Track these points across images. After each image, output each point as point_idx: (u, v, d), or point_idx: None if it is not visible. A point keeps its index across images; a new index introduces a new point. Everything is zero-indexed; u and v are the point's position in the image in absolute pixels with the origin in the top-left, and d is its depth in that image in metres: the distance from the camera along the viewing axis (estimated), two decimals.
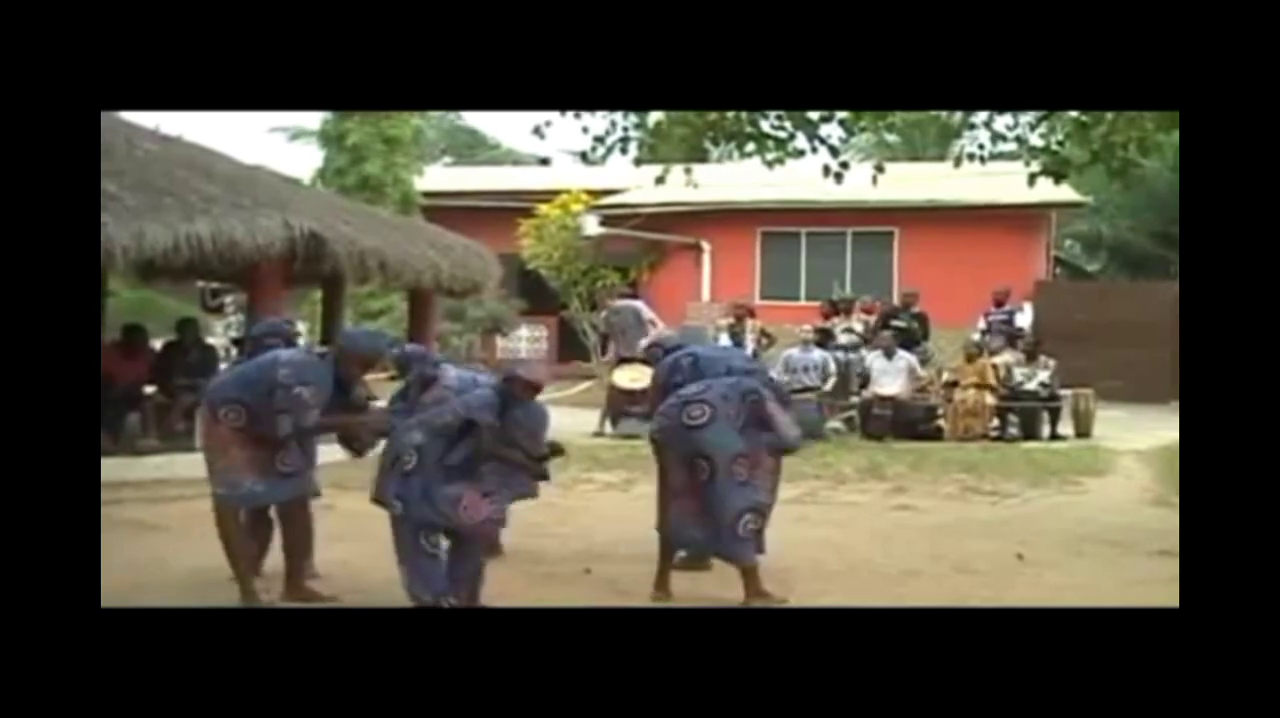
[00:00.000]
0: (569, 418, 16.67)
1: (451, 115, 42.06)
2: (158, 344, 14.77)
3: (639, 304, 18.28)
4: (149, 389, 13.67)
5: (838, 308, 18.62)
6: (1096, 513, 10.88)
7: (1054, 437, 16.32)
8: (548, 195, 23.93)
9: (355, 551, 7.93)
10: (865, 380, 16.59)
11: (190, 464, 11.63)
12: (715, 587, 7.39)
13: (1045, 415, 16.65)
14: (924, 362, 17.24)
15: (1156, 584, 7.35)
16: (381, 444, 6.97)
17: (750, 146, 11.41)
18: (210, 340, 16.79)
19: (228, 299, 24.70)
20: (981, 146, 12.05)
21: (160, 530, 9.44)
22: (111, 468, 10.83)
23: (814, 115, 10.74)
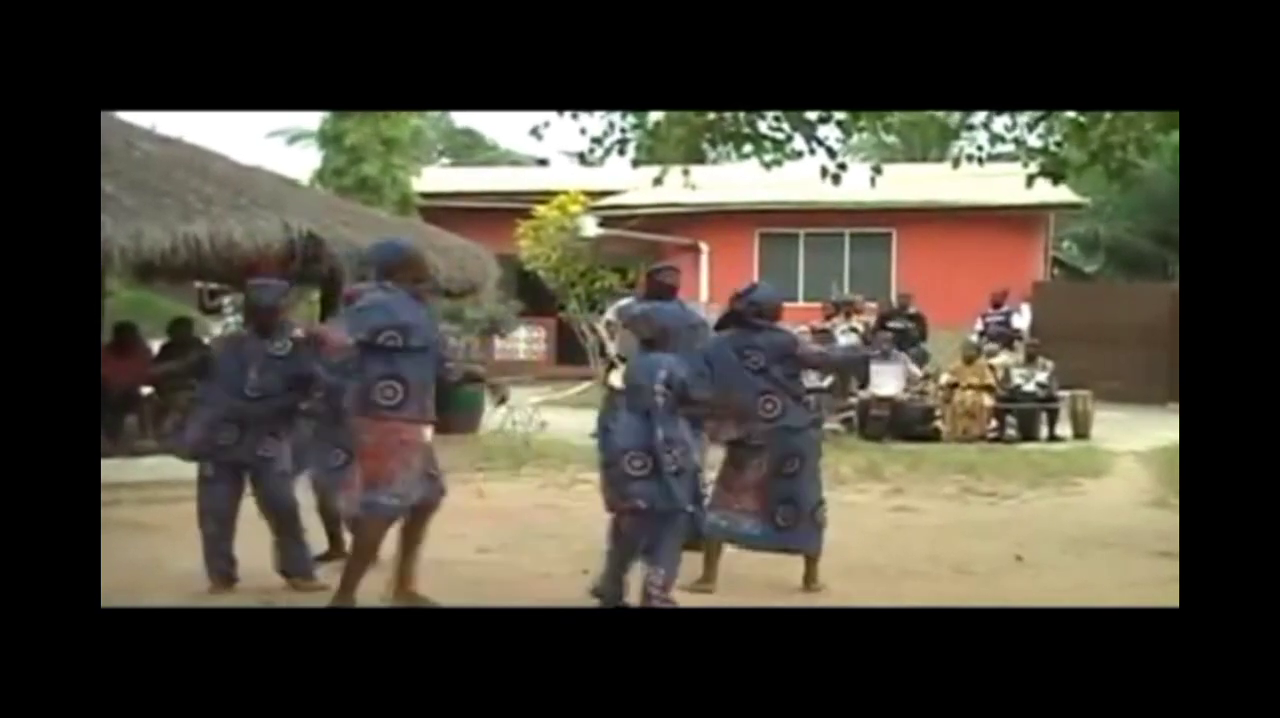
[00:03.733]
0: (568, 419, 16.70)
1: (447, 116, 42.04)
2: (156, 344, 14.80)
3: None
4: (146, 390, 13.68)
5: (839, 308, 18.62)
6: (1095, 514, 10.90)
7: (1052, 438, 16.36)
8: (546, 196, 23.89)
9: None
10: (864, 381, 16.60)
11: (187, 465, 11.68)
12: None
13: (1043, 417, 16.68)
14: (920, 362, 17.25)
15: (1155, 585, 7.36)
16: None
17: (748, 148, 11.48)
18: (208, 340, 16.79)
19: (225, 300, 24.66)
20: (980, 148, 12.12)
21: (158, 531, 9.42)
22: (108, 469, 10.81)
23: (812, 116, 10.75)
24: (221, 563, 7.34)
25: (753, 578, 7.65)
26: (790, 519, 7.51)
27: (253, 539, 7.40)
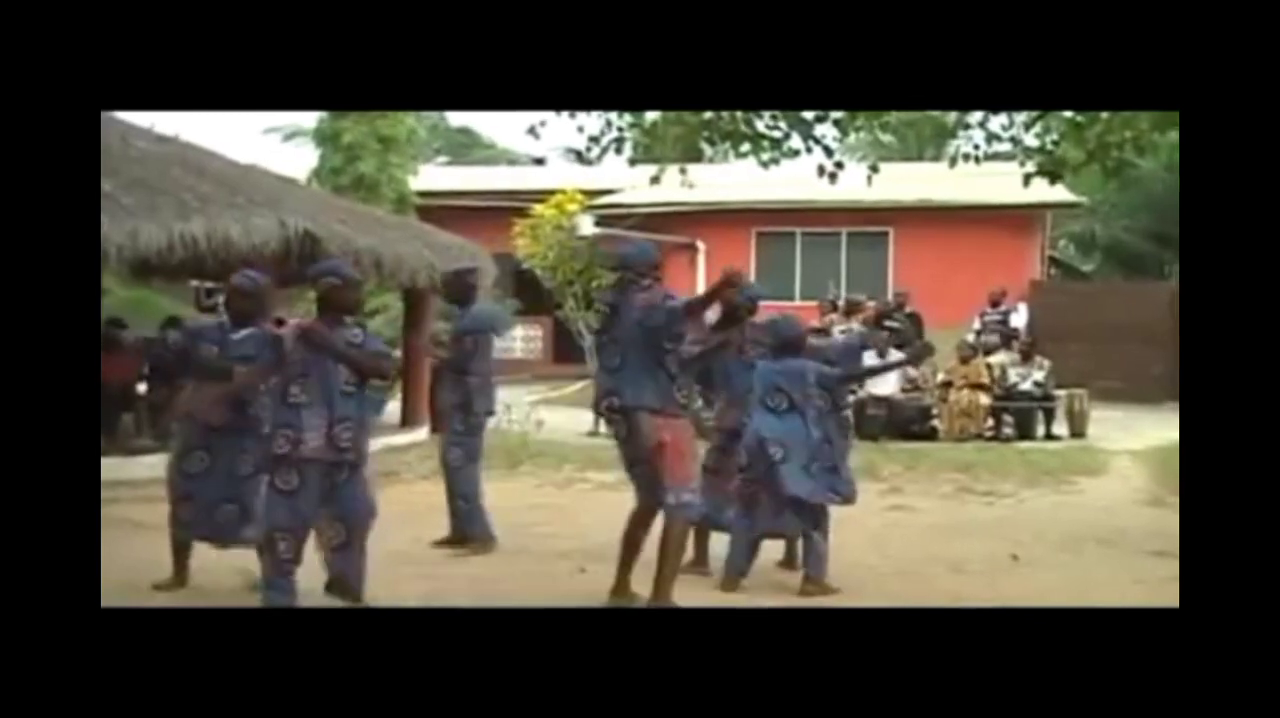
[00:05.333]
0: (564, 417, 16.72)
1: (444, 115, 42.01)
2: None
3: None
4: (141, 388, 13.70)
5: (836, 307, 18.60)
6: (1091, 513, 10.93)
7: (1049, 437, 16.36)
8: (542, 195, 23.93)
9: None
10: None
11: None
12: (714, 588, 7.39)
13: (1040, 416, 16.69)
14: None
15: (1152, 584, 7.39)
16: None
17: (745, 146, 11.48)
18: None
19: (222, 299, 24.69)
20: (976, 147, 12.15)
21: (156, 530, 9.41)
22: (105, 468, 10.85)
23: (809, 115, 10.76)
24: (291, 589, 6.51)
25: (753, 579, 7.65)
26: None
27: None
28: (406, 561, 8.01)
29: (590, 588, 7.41)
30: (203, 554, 7.42)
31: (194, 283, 23.16)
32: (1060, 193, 19.49)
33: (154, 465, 11.86)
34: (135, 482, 11.14)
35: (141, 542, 8.73)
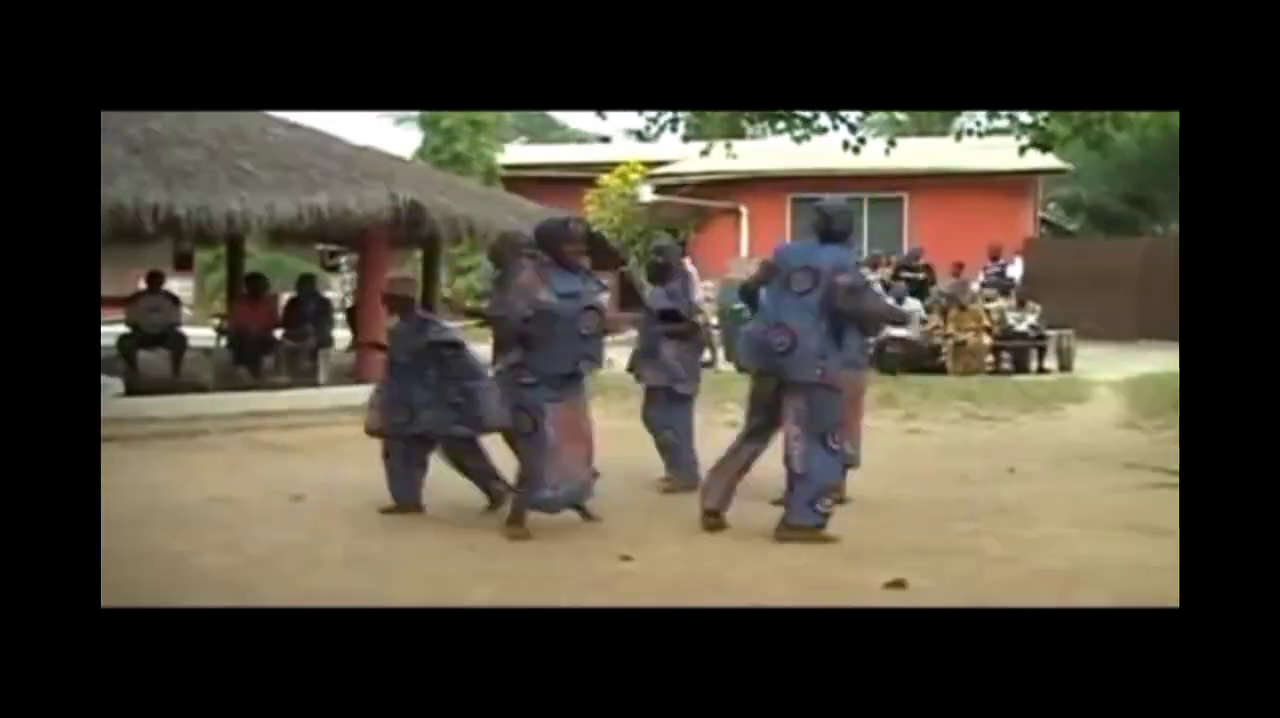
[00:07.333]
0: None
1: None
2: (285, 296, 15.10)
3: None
4: (279, 334, 14.00)
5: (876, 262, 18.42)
6: (1075, 434, 10.95)
7: (1041, 370, 16.45)
8: (608, 167, 23.94)
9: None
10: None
11: (314, 397, 11.96)
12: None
13: (1033, 353, 16.73)
14: (928, 308, 17.28)
15: (1125, 492, 7.46)
16: None
17: (780, 125, 11.63)
18: (328, 294, 17.05)
19: (343, 260, 24.92)
20: (979, 123, 12.53)
21: (293, 452, 9.62)
22: (252, 400, 11.21)
23: None
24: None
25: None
26: None
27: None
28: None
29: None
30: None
31: (319, 247, 23.42)
32: (1050, 161, 19.30)
33: (291, 399, 12.17)
34: (277, 412, 11.40)
35: (282, 462, 8.93)
